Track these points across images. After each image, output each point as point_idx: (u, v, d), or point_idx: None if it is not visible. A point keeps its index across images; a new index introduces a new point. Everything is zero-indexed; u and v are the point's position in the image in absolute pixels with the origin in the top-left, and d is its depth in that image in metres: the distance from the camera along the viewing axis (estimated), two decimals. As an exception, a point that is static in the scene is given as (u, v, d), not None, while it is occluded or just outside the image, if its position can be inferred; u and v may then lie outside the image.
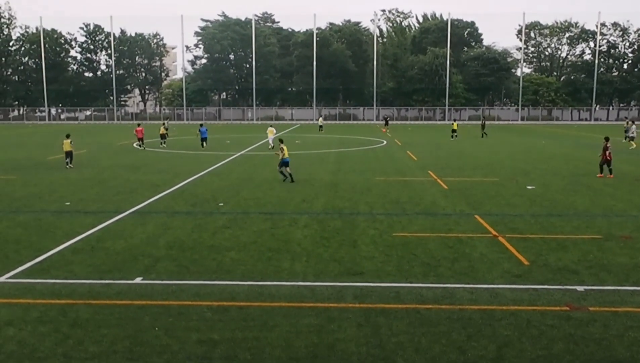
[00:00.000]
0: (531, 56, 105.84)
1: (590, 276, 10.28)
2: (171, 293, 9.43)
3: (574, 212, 16.17)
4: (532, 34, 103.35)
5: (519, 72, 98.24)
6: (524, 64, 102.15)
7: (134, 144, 39.49)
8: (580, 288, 9.65)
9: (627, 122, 45.44)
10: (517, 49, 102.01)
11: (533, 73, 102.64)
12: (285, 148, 21.87)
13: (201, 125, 40.86)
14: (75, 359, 7.07)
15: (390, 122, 69.28)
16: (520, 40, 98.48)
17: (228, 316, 8.40)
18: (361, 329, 7.96)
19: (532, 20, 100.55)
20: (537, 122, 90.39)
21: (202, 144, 37.78)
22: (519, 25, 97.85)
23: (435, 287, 9.72)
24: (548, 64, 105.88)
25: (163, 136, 39.93)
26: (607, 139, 23.40)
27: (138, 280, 10.07)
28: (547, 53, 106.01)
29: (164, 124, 43.14)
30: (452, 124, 50.39)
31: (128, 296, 9.29)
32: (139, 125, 40.18)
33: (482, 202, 17.68)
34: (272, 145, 36.67)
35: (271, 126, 41.22)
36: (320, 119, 64.31)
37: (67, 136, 27.76)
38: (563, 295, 9.37)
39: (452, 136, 47.21)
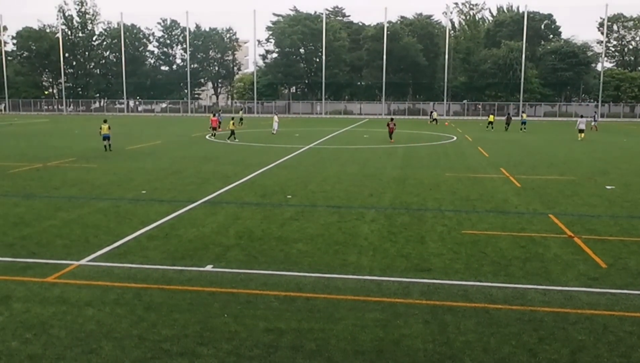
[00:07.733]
0: (613, 50, 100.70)
1: (675, 283, 9.70)
2: (240, 281, 9.63)
3: (658, 214, 15.30)
4: (615, 27, 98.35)
5: (599, 67, 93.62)
6: (606, 58, 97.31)
7: (207, 136, 40.57)
8: (663, 295, 9.13)
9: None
10: (598, 43, 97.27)
11: (615, 68, 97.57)
12: (105, 126, 30.93)
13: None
14: (149, 341, 7.36)
15: (457, 118, 68.84)
16: (602, 33, 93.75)
17: (294, 307, 8.50)
18: (428, 326, 7.86)
19: (615, 13, 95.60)
20: (619, 119, 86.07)
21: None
22: (601, 17, 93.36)
23: (506, 287, 9.45)
24: (632, 58, 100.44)
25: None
26: (392, 119, 36.72)
27: (209, 267, 10.36)
28: (630, 47, 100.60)
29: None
30: (522, 115, 54.39)
31: (199, 282, 9.56)
32: (213, 115, 44.28)
33: (557, 201, 17.03)
34: (275, 131, 45.03)
35: (277, 114, 52.22)
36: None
37: (232, 118, 40.98)
38: (644, 301, 8.90)
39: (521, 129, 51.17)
